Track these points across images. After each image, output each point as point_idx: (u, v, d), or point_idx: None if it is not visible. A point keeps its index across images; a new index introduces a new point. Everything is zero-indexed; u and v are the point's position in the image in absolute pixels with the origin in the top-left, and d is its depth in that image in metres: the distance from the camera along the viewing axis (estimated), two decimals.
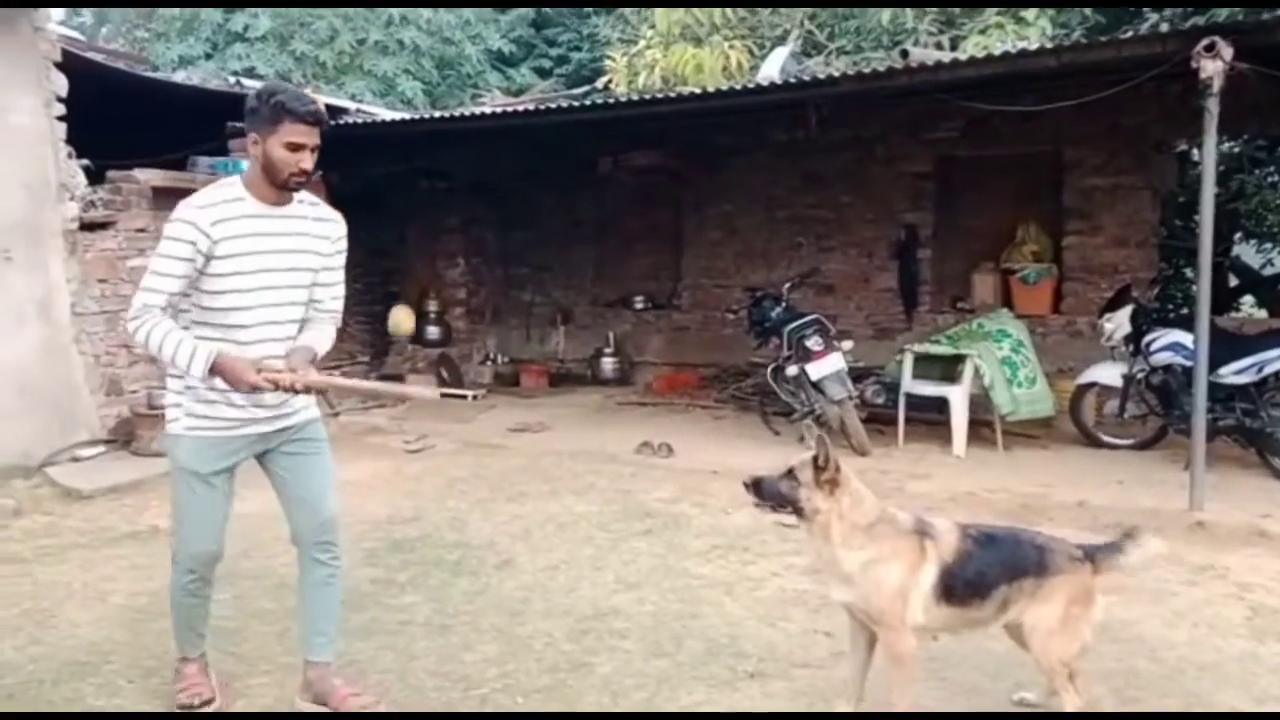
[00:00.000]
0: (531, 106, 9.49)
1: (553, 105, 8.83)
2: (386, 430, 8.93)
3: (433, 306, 11.34)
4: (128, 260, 7.62)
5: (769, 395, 8.69)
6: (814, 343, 7.90)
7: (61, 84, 7.10)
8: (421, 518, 6.09)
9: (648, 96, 8.28)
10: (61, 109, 7.14)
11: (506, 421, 9.28)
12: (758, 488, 3.38)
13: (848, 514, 3.28)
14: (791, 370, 8.12)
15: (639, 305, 11.85)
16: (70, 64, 7.21)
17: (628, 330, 11.82)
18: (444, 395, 3.74)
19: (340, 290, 3.57)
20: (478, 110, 9.22)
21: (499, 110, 9.03)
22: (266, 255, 3.28)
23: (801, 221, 10.78)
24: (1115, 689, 3.75)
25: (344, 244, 3.54)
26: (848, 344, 8.18)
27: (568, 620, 4.43)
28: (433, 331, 11.27)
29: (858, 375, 8.28)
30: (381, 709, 3.48)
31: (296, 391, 3.26)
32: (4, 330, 6.72)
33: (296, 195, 3.38)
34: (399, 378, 10.54)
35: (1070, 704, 3.31)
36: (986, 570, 3.30)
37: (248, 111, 3.26)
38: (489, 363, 11.87)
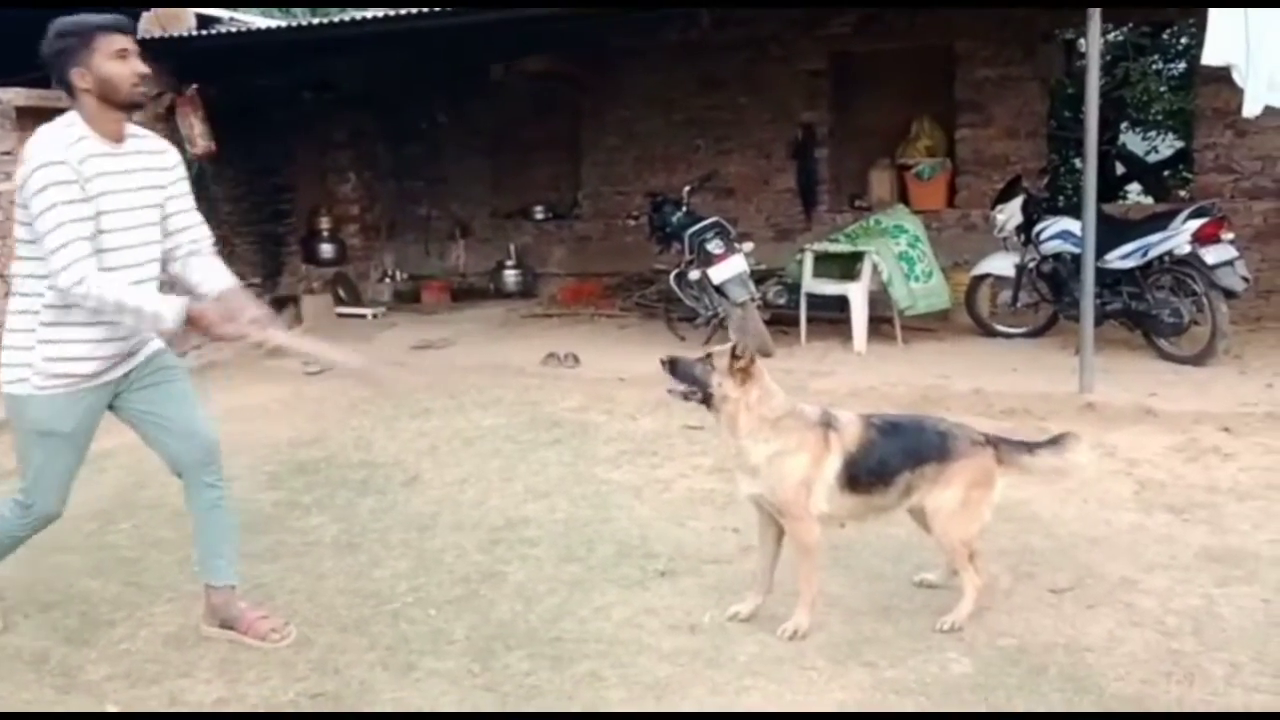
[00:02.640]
0: (416, 11, 9.16)
1: (437, 9, 8.53)
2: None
3: (325, 224, 11.01)
4: None
5: (673, 301, 8.68)
6: (715, 246, 7.88)
7: None
8: (324, 439, 5.99)
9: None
10: None
11: (409, 339, 9.14)
12: (673, 365, 3.41)
13: (755, 406, 3.32)
14: (694, 275, 8.11)
15: (539, 216, 11.68)
16: None
17: (529, 242, 11.66)
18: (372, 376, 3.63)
19: (200, 219, 3.48)
20: (359, 15, 8.84)
21: (382, 15, 8.66)
22: (118, 195, 3.16)
23: (699, 124, 10.68)
24: (1010, 565, 3.89)
25: (182, 170, 3.47)
26: (748, 246, 8.18)
27: (478, 532, 4.42)
28: (327, 250, 10.97)
29: (759, 277, 8.31)
30: (291, 635, 3.43)
31: (260, 343, 3.24)
32: None
33: (129, 130, 3.26)
34: (293, 299, 10.28)
35: (970, 583, 3.42)
36: (889, 458, 3.39)
37: (54, 55, 3.13)
38: (387, 280, 11.63)
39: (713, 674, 3.18)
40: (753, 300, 7.86)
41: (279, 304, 10.17)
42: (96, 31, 3.10)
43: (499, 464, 5.44)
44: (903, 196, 10.02)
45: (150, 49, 8.41)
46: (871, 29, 9.66)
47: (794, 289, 8.38)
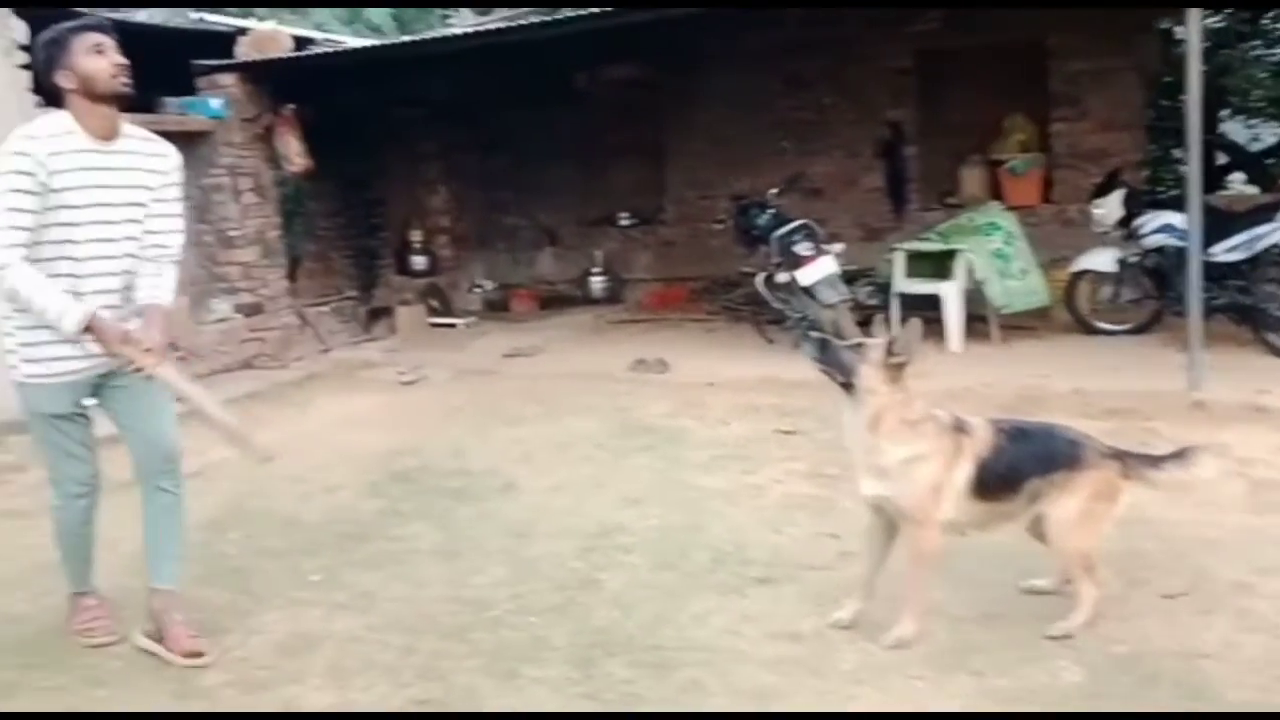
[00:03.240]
0: (502, 25, 9.28)
1: (523, 22, 8.63)
2: (379, 364, 8.88)
3: (417, 236, 11.20)
4: None
5: (761, 304, 8.63)
6: (803, 248, 7.82)
7: (20, 30, 6.90)
8: (421, 448, 6.07)
9: (618, 8, 8.07)
10: (24, 57, 6.94)
11: (499, 347, 9.23)
12: (823, 346, 3.39)
13: (899, 407, 3.28)
14: (782, 277, 8.05)
15: (625, 222, 11.71)
16: (27, 10, 7.00)
17: (615, 248, 11.70)
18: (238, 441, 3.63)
19: (178, 225, 3.54)
20: (447, 32, 9.01)
21: (469, 31, 8.81)
22: (98, 190, 3.26)
23: (784, 125, 10.62)
24: (1121, 570, 3.78)
25: (177, 176, 3.53)
26: (838, 247, 8.11)
27: (573, 539, 4.44)
28: (419, 261, 11.14)
29: (849, 278, 8.21)
30: (211, 657, 3.44)
31: (143, 372, 3.27)
32: None
33: (126, 129, 3.38)
34: (388, 311, 10.48)
35: (1086, 593, 3.35)
36: (1019, 465, 3.34)
37: (43, 62, 3.30)
38: (477, 289, 11.78)
39: (816, 682, 3.15)
40: (843, 302, 7.79)
41: (374, 315, 10.40)
42: (71, 34, 3.27)
43: (592, 471, 5.47)
44: (995, 193, 9.82)
45: (249, 72, 8.72)
46: (959, 25, 9.49)
47: (885, 289, 8.28)
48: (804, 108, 10.54)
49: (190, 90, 8.58)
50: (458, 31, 9.00)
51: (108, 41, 3.28)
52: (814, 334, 3.46)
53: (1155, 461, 3.47)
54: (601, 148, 11.64)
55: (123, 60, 3.28)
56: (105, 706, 3.20)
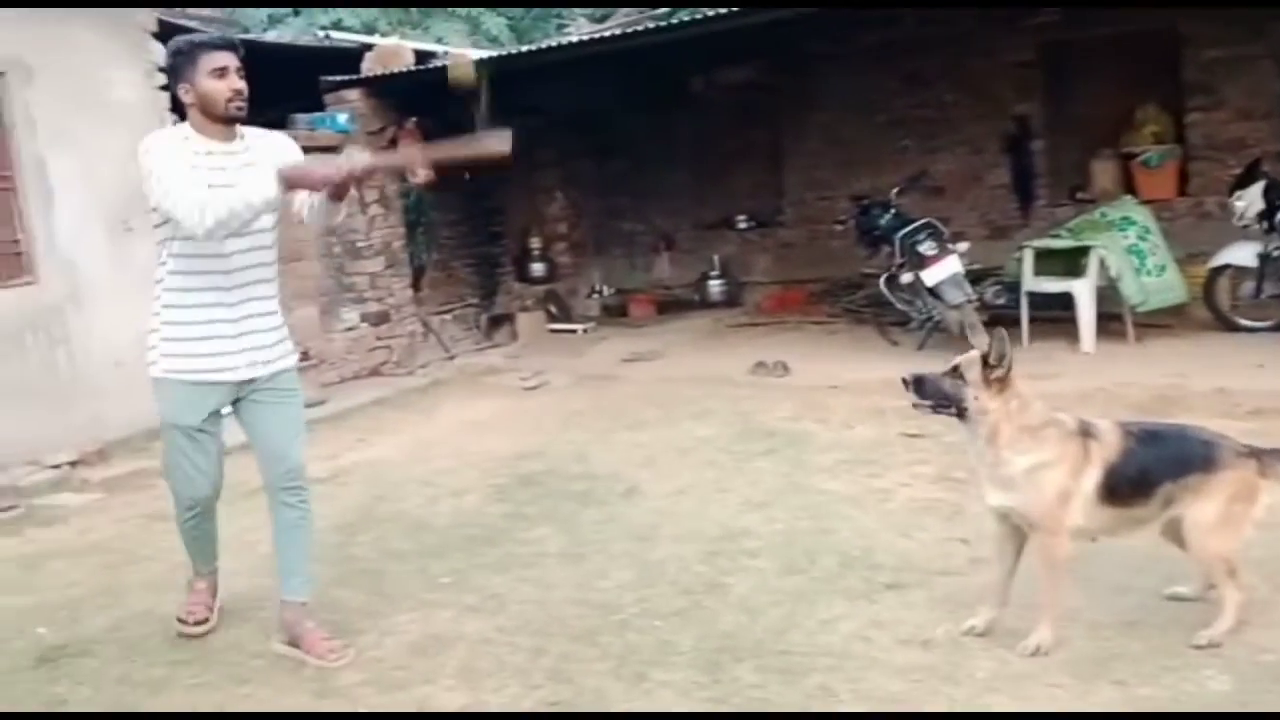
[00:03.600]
0: (618, 31, 9.34)
1: (639, 28, 8.68)
2: (502, 369, 9.03)
3: (535, 243, 11.35)
4: None
5: (883, 306, 8.52)
6: (927, 247, 7.69)
7: (160, 53, 7.21)
8: (545, 452, 6.14)
9: (737, 9, 8.04)
10: (163, 79, 7.27)
11: (618, 352, 9.29)
12: (919, 386, 3.26)
13: (1016, 415, 3.18)
14: (906, 278, 7.93)
15: (742, 225, 11.67)
16: (166, 33, 7.31)
17: (732, 251, 11.67)
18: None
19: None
20: (564, 41, 9.11)
21: (585, 38, 8.89)
22: (225, 188, 3.27)
23: (904, 124, 10.44)
24: (1268, 575, 3.60)
25: (297, 151, 3.54)
26: (963, 246, 7.94)
27: (698, 543, 4.42)
28: (538, 268, 11.30)
29: (975, 277, 8.04)
30: (349, 657, 3.50)
31: (357, 176, 3.27)
32: (131, 298, 6.94)
33: (240, 131, 3.44)
34: (509, 318, 10.64)
35: (1230, 598, 3.20)
36: (1150, 468, 3.21)
37: (169, 72, 3.40)
38: (595, 295, 11.88)
39: (950, 690, 3.08)
40: (969, 302, 7.62)
41: (496, 322, 10.57)
42: (199, 49, 3.33)
43: (715, 475, 5.45)
44: (1128, 187, 9.48)
45: (373, 86, 8.96)
46: (1084, 16, 9.20)
47: (1013, 288, 8.07)
48: (924, 105, 10.35)
49: (319, 106, 8.86)
50: (574, 39, 9.07)
51: (232, 65, 3.34)
52: (907, 375, 3.32)
53: None
54: (718, 151, 11.62)
55: (241, 86, 3.34)
56: (248, 702, 3.31)
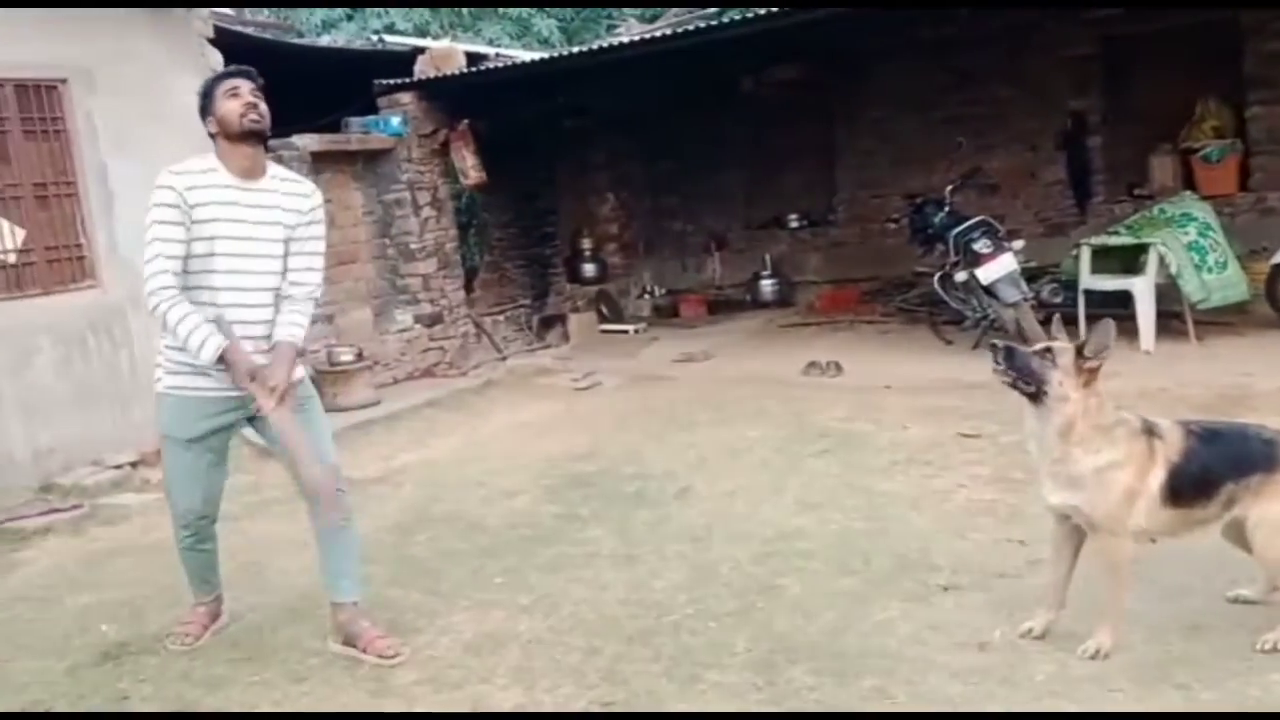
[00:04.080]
0: (668, 31, 9.33)
1: (688, 28, 8.66)
2: (554, 370, 9.06)
3: (587, 244, 11.39)
4: None
5: (937, 304, 8.44)
6: (982, 245, 7.60)
7: (217, 60, 7.33)
8: (597, 453, 6.16)
9: (787, 9, 7.99)
10: None
11: (670, 353, 9.29)
12: (1008, 355, 3.19)
13: (1093, 412, 3.11)
14: (960, 276, 7.84)
15: (794, 224, 11.63)
16: (223, 39, 7.44)
17: (784, 250, 11.62)
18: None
19: (315, 264, 3.63)
20: (614, 41, 9.12)
21: (635, 39, 8.89)
22: (235, 224, 3.41)
23: (958, 120, 10.31)
24: None
25: (318, 215, 3.62)
26: (1018, 243, 7.84)
27: (751, 544, 4.41)
28: (589, 269, 11.34)
29: (1031, 275, 7.94)
30: (405, 654, 3.53)
31: (260, 411, 3.43)
32: None
33: (272, 170, 3.53)
34: (561, 318, 10.68)
35: None
36: (1212, 468, 3.14)
37: (201, 113, 3.48)
38: (646, 295, 11.89)
39: (1008, 693, 3.03)
40: (1025, 300, 7.53)
41: (547, 323, 10.62)
42: (215, 83, 3.50)
43: (768, 476, 5.43)
44: (1188, 182, 9.32)
45: (426, 89, 9.03)
46: (1143, 9, 9.04)
47: (1070, 286, 7.95)
48: (978, 101, 10.24)
49: (373, 110, 8.95)
50: (625, 40, 9.08)
51: (244, 86, 3.44)
52: (998, 342, 3.26)
53: None
54: (768, 150, 11.58)
55: (253, 100, 3.43)
56: (305, 701, 3.34)
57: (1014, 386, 3.21)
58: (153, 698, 3.44)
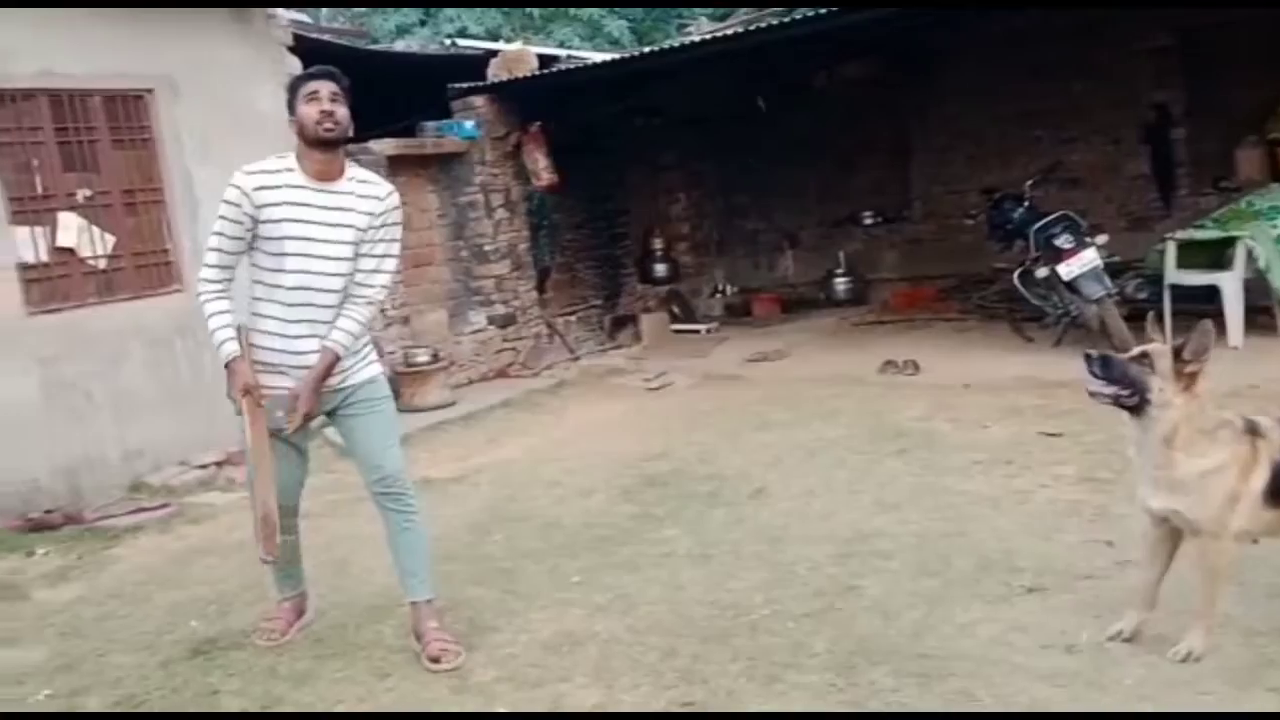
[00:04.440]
0: (739, 29, 9.30)
1: (760, 25, 8.61)
2: (625, 370, 9.08)
3: (658, 244, 11.37)
4: None
5: (1017, 301, 8.29)
6: (1063, 241, 7.44)
7: (296, 67, 7.47)
8: (671, 453, 6.15)
9: (856, 7, 7.91)
10: None
11: (743, 352, 9.25)
12: (1105, 365, 3.08)
13: (1196, 416, 3.02)
14: (1041, 272, 7.69)
15: (868, 221, 11.51)
16: (302, 46, 7.58)
17: (858, 248, 11.51)
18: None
19: (385, 267, 3.62)
20: (685, 41, 9.11)
21: (706, 38, 8.87)
22: (304, 225, 3.44)
23: (1035, 114, 10.13)
24: None
25: (391, 218, 3.60)
26: (1102, 238, 7.66)
27: (829, 545, 4.36)
28: (660, 269, 11.31)
29: (1114, 270, 7.74)
30: (460, 659, 3.53)
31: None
32: None
33: (348, 171, 3.54)
34: (633, 319, 10.69)
35: None
36: None
37: (287, 107, 3.52)
38: (719, 295, 11.85)
39: (1097, 696, 2.97)
40: (1109, 296, 7.36)
41: (619, 323, 10.63)
42: (299, 82, 3.53)
43: (845, 476, 5.38)
44: (1275, 174, 9.03)
45: (498, 92, 9.11)
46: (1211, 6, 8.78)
47: (1155, 281, 7.75)
48: (1055, 95, 10.03)
49: (447, 114, 9.05)
50: (696, 39, 9.06)
51: (323, 90, 3.43)
52: (1093, 352, 3.15)
53: None
54: (841, 147, 11.47)
55: (330, 108, 3.42)
56: (388, 696, 3.39)
57: (1116, 403, 3.10)
58: (241, 692, 3.51)
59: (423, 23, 14.85)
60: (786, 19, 8.28)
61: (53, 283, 6.17)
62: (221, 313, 3.48)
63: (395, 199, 3.64)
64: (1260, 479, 3.02)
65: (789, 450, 5.95)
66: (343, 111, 3.47)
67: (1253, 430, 3.07)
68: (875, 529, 4.51)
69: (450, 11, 14.56)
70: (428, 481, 6.03)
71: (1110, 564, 3.88)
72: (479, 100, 9.06)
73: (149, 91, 6.59)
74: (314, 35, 8.72)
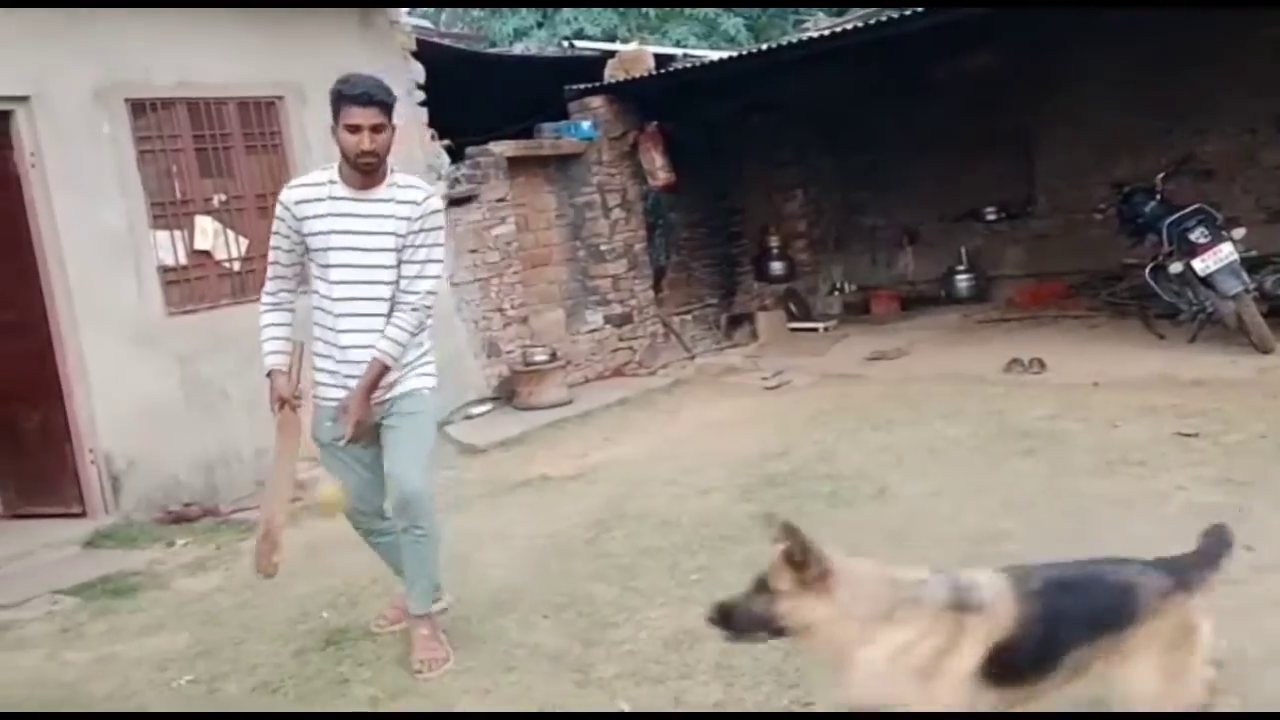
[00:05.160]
0: (858, 24, 9.17)
1: (879, 19, 8.48)
2: (742, 369, 9.04)
3: (774, 242, 11.28)
4: (492, 229, 8.12)
5: (1149, 297, 8.01)
6: (1198, 235, 7.16)
7: (419, 72, 7.65)
8: (790, 452, 6.10)
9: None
10: (422, 95, 7.71)
11: (861, 350, 9.13)
12: (725, 618, 2.57)
13: (853, 609, 2.43)
14: (1175, 267, 7.41)
15: (990, 216, 11.20)
16: (423, 51, 7.75)
17: (980, 244, 11.24)
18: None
19: (428, 272, 3.60)
20: (802, 37, 9.03)
21: (824, 34, 8.78)
22: (347, 235, 3.51)
23: (1165, 104, 9.71)
24: None
25: (431, 222, 3.58)
26: (1239, 232, 7.34)
27: (956, 546, 4.27)
28: (776, 267, 11.22)
29: (1253, 265, 7.42)
30: (438, 671, 3.57)
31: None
32: None
33: (390, 178, 3.56)
34: (749, 317, 10.65)
35: None
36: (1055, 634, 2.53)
37: (332, 114, 3.51)
38: (836, 292, 11.71)
39: (1237, 704, 2.85)
40: (1247, 292, 7.05)
41: (735, 322, 10.60)
42: (340, 101, 3.48)
43: (969, 476, 5.26)
44: None
45: (615, 92, 9.17)
46: None
47: None
48: (1184, 84, 9.60)
49: (565, 115, 9.14)
50: (812, 35, 8.97)
51: (366, 122, 3.41)
52: (712, 613, 2.60)
53: (1210, 561, 2.82)
54: (961, 140, 11.17)
55: (369, 146, 3.42)
56: (511, 690, 3.44)
57: (757, 643, 2.73)
58: (371, 681, 3.61)
59: (540, 25, 15.03)
60: (907, 12, 8.14)
61: (190, 284, 6.43)
62: (271, 324, 3.65)
63: (434, 203, 3.63)
64: (968, 659, 2.41)
65: (910, 450, 5.84)
66: (383, 139, 3.47)
67: (959, 605, 2.46)
68: (1003, 530, 4.41)
69: (567, 13, 14.70)
70: (546, 479, 6.12)
71: (1248, 569, 3.71)
72: (596, 101, 9.13)
73: (279, 98, 6.82)
74: (435, 40, 8.90)
